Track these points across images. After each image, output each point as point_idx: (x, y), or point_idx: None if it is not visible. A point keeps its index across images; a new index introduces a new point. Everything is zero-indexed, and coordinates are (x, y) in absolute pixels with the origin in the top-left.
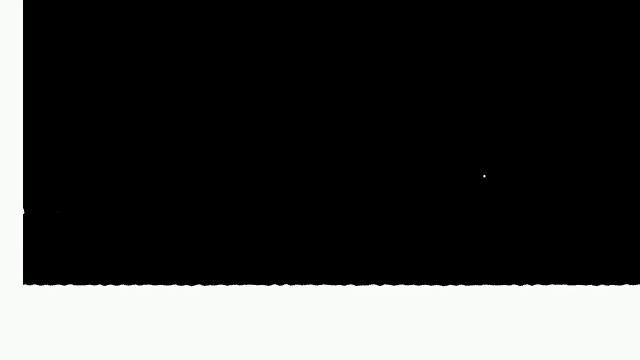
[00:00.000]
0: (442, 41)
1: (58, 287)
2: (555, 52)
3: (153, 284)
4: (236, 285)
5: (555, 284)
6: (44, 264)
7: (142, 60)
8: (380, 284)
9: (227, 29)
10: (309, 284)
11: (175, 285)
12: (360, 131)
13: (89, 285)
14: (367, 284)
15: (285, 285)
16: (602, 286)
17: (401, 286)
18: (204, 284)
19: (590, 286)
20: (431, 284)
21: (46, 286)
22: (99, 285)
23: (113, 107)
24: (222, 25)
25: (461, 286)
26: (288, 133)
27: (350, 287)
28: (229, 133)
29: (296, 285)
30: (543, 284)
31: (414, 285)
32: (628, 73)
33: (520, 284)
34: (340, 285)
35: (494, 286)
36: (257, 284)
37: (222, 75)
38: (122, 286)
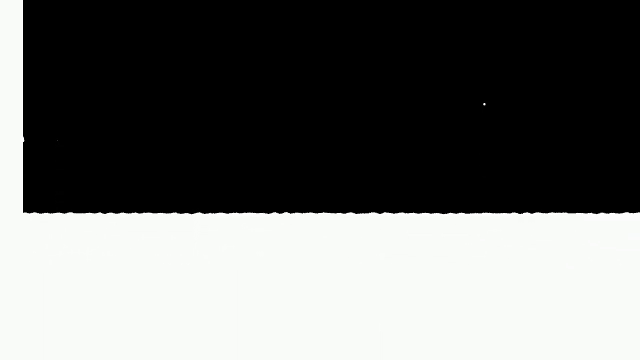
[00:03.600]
0: None
1: (58, 215)
2: None
3: (153, 212)
4: (236, 213)
5: (555, 212)
6: (44, 192)
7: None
8: (380, 212)
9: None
10: (308, 212)
11: (175, 213)
12: (360, 60)
13: (89, 214)
14: (367, 212)
15: (285, 213)
16: (602, 214)
17: (401, 214)
18: (204, 212)
19: (590, 214)
20: (431, 212)
21: (46, 214)
22: (99, 214)
23: (112, 39)
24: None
25: (461, 214)
26: (289, 64)
27: (350, 215)
28: (229, 64)
29: (296, 213)
30: (543, 212)
31: (413, 214)
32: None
33: (520, 212)
34: (340, 213)
35: (494, 214)
36: (257, 212)
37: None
38: (122, 214)
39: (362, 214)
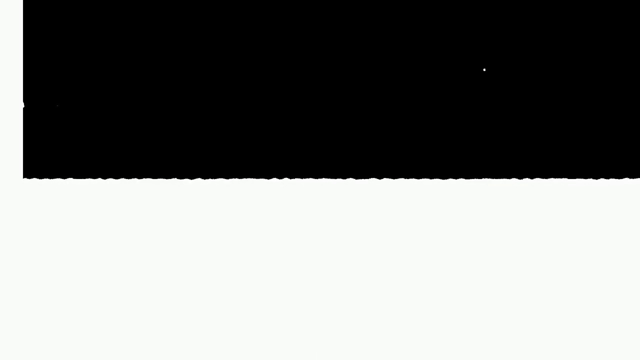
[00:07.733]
0: None
1: (58, 181)
2: None
3: (153, 178)
4: (236, 179)
5: (555, 177)
6: (44, 157)
7: None
8: (380, 177)
9: None
10: (308, 177)
11: (175, 179)
12: (360, 24)
13: (89, 179)
14: (367, 178)
15: (285, 179)
16: (602, 180)
17: (401, 180)
18: (204, 177)
19: (590, 180)
20: (431, 177)
21: (46, 180)
22: (99, 179)
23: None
24: None
25: (461, 180)
26: (288, 27)
27: (350, 180)
28: (229, 27)
29: (296, 179)
30: (543, 178)
31: (413, 179)
32: None
33: (520, 177)
34: (340, 179)
35: (494, 180)
36: (256, 178)
37: None
38: (122, 180)
39: (362, 180)
